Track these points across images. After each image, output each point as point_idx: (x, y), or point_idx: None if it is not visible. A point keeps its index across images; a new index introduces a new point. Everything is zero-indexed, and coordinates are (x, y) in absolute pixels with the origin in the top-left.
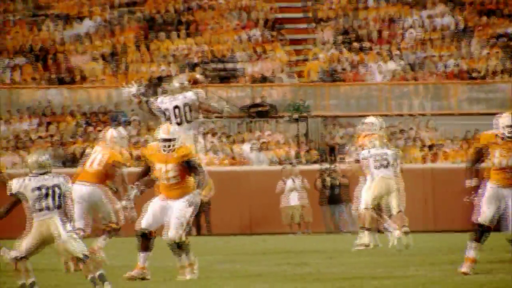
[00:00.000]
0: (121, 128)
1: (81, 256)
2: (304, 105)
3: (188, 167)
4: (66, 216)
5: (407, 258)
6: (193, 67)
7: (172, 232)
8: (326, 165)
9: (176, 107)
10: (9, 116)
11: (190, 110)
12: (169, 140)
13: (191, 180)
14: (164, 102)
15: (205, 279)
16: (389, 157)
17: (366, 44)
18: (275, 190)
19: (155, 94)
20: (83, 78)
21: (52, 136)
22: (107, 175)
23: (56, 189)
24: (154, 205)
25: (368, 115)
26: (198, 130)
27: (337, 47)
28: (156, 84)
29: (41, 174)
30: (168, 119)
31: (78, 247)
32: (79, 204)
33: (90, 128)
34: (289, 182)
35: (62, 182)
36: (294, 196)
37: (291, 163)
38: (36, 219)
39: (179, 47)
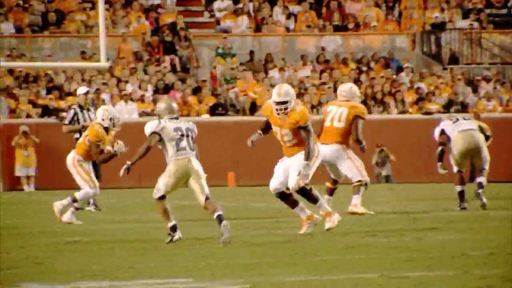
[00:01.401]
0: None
1: (207, 195)
2: None
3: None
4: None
5: None
6: (468, 13)
7: (290, 182)
8: None
9: None
10: (283, 64)
11: None
12: (281, 102)
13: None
14: None
15: (474, 231)
16: None
17: None
18: None
19: (428, 40)
20: (357, 25)
21: (324, 84)
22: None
23: (189, 133)
24: (278, 167)
25: None
26: None
27: None
28: (430, 32)
29: (172, 118)
30: None
31: (206, 187)
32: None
33: (362, 76)
34: None
35: (193, 127)
36: None
37: None
38: (175, 158)
39: None
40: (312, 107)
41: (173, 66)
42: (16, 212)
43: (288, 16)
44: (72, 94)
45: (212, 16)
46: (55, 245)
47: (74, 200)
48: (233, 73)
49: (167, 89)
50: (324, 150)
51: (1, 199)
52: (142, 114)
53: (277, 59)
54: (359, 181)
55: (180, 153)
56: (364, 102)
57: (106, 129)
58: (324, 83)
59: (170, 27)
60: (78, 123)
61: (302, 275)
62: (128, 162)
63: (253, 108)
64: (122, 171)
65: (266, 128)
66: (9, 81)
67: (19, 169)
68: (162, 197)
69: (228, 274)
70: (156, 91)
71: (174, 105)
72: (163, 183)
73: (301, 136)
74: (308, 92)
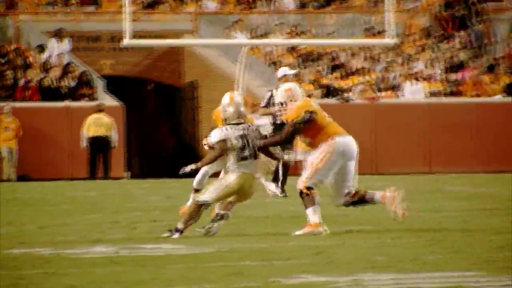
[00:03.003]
0: None
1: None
2: None
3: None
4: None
5: None
6: None
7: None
8: None
9: None
10: None
11: None
12: (279, 104)
13: (322, 133)
14: None
15: None
16: None
17: None
18: None
19: None
20: None
21: None
22: None
23: (251, 139)
24: None
25: None
26: None
27: None
28: None
29: (237, 124)
30: None
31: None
32: None
33: None
34: None
35: (252, 130)
36: None
37: None
38: (238, 169)
39: None
40: None
41: (465, 42)
42: (294, 198)
43: None
44: (355, 73)
45: None
46: (336, 234)
47: None
48: None
49: (458, 67)
50: None
51: None
52: (430, 94)
53: None
54: None
55: (242, 163)
56: None
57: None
58: None
59: (463, 1)
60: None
61: None
62: (195, 165)
63: None
64: (186, 169)
65: None
66: (290, 60)
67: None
68: (206, 205)
69: None
70: (447, 69)
71: (242, 109)
72: (216, 189)
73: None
74: None
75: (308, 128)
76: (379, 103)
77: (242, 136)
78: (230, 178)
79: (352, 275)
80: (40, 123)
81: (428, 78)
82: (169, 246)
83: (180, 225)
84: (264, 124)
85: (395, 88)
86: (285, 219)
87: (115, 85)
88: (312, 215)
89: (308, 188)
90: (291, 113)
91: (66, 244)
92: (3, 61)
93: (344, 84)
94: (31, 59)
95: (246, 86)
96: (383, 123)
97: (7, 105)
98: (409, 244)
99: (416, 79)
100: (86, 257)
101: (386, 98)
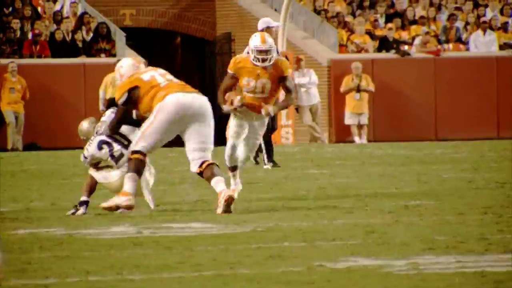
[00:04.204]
0: None
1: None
2: None
3: None
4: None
5: None
6: None
7: None
8: None
9: None
10: None
11: None
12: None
13: (155, 101)
14: None
15: None
16: None
17: None
18: None
19: None
20: None
21: None
22: None
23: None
24: None
25: None
26: None
27: None
28: None
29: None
30: None
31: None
32: None
33: None
34: None
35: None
36: None
37: None
38: (120, 170)
39: None
40: None
41: None
42: (343, 167)
43: None
44: (417, 22)
45: None
46: (390, 210)
47: None
48: None
49: None
50: None
51: (327, 152)
52: (504, 46)
53: None
54: None
55: (120, 164)
56: None
57: None
58: None
59: None
60: None
61: None
62: None
63: None
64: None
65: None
66: (341, 7)
67: (349, 116)
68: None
69: None
70: None
71: (85, 127)
72: (104, 178)
73: None
74: None
75: (141, 104)
76: (441, 57)
77: (102, 142)
78: (113, 177)
79: (408, 258)
80: (51, 83)
81: (499, 28)
82: (198, 225)
83: (84, 197)
84: None
85: (461, 40)
86: (330, 193)
87: (137, 38)
88: (128, 182)
89: (136, 152)
90: (116, 95)
91: (80, 223)
92: (8, 11)
93: (402, 35)
94: (40, 9)
95: (287, 38)
96: (445, 80)
97: (13, 63)
98: (473, 222)
99: (489, 28)
100: (103, 238)
101: (450, 51)
